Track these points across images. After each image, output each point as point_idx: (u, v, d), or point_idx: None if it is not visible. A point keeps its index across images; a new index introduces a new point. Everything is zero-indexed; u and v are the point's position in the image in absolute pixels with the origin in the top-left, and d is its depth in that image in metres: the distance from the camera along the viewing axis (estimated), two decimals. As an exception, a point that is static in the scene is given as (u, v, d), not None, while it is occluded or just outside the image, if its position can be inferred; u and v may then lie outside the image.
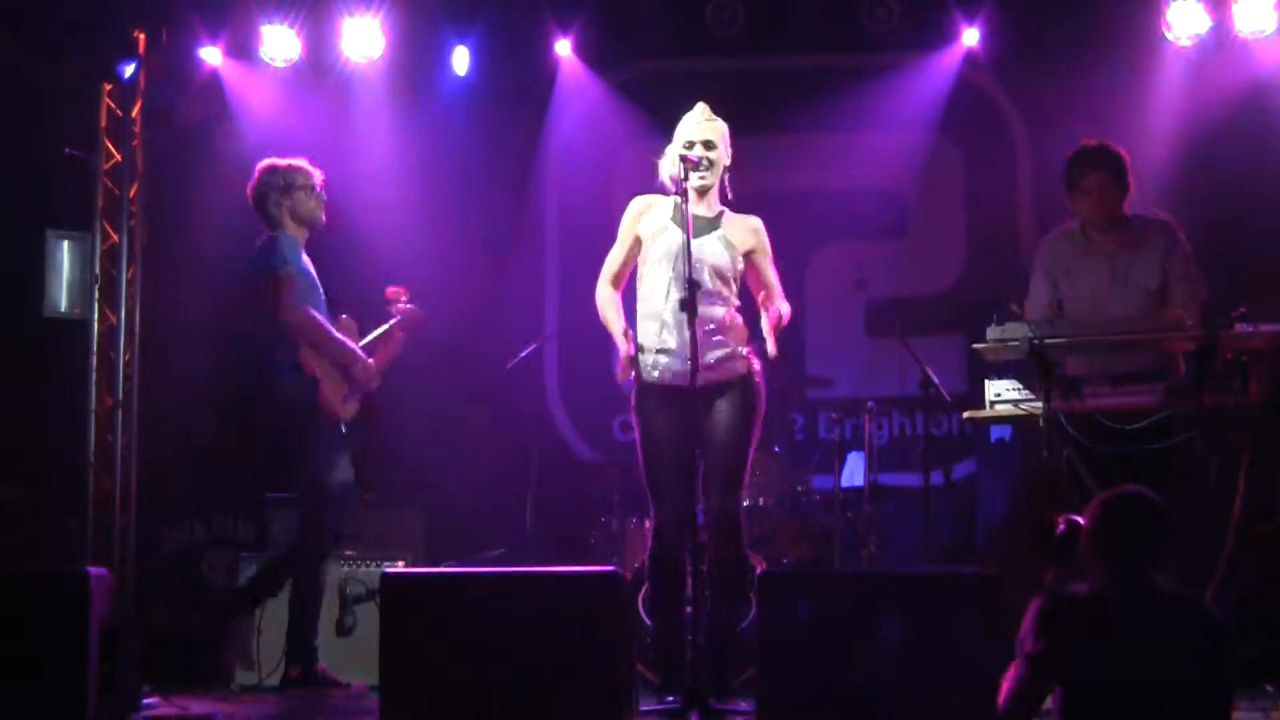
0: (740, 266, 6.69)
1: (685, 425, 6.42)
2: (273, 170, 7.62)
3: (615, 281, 6.85)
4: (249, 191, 7.63)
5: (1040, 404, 6.70)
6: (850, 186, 10.16)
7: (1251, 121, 9.23)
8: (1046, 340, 6.64)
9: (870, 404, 8.86)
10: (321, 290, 7.59)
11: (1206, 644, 4.70)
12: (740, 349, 6.61)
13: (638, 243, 6.79)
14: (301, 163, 7.67)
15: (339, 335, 7.52)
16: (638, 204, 6.83)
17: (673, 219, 6.66)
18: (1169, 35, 9.30)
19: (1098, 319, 7.05)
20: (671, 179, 6.68)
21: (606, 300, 6.81)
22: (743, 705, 6.23)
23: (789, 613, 5.79)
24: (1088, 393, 6.72)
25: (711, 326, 6.52)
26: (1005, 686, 4.86)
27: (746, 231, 6.73)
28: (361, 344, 7.67)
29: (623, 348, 6.63)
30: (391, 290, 7.86)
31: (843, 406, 9.40)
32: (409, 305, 7.88)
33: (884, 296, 9.71)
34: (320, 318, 7.44)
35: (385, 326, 7.79)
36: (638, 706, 6.15)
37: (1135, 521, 4.78)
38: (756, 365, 6.64)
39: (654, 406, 6.61)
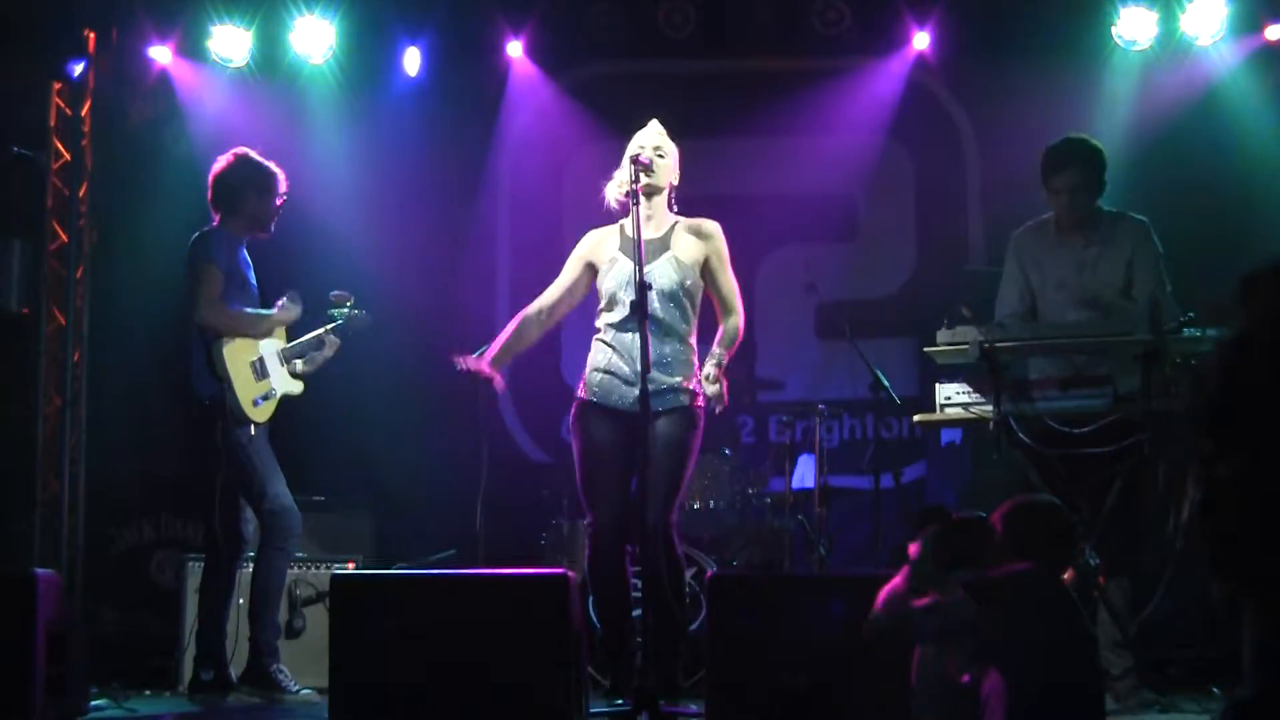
0: (694, 282, 6.66)
1: (624, 440, 6.46)
2: (254, 165, 7.49)
3: (544, 303, 6.87)
4: (218, 173, 7.45)
5: (990, 407, 6.70)
6: (801, 189, 10.14)
7: (1201, 126, 9.29)
8: (996, 344, 6.65)
9: (821, 407, 8.84)
10: (255, 290, 7.49)
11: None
12: (686, 383, 6.59)
13: (589, 270, 6.78)
14: (275, 167, 7.56)
15: (245, 310, 7.36)
16: (590, 236, 6.82)
17: (621, 249, 6.67)
18: (1119, 41, 9.36)
19: (1060, 315, 7.07)
20: (619, 201, 6.69)
21: (519, 316, 6.86)
22: (692, 708, 6.24)
23: (739, 615, 5.82)
24: (1037, 396, 6.73)
25: (662, 360, 6.51)
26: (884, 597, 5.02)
27: (699, 241, 6.71)
28: (294, 343, 7.57)
29: (476, 360, 6.68)
30: (336, 295, 7.73)
31: (793, 409, 9.38)
32: (354, 311, 7.71)
33: (834, 299, 9.70)
34: (228, 309, 7.29)
35: (319, 331, 7.62)
36: (587, 709, 6.15)
37: (1043, 531, 4.86)
38: (700, 401, 6.60)
39: (593, 422, 6.62)
